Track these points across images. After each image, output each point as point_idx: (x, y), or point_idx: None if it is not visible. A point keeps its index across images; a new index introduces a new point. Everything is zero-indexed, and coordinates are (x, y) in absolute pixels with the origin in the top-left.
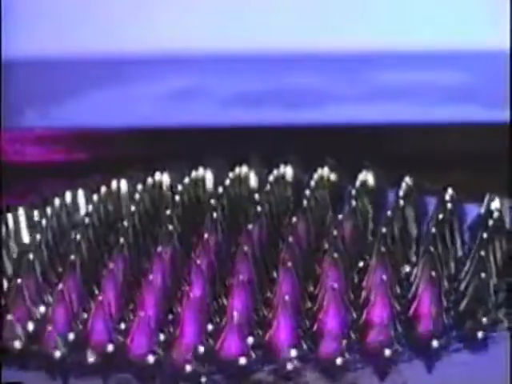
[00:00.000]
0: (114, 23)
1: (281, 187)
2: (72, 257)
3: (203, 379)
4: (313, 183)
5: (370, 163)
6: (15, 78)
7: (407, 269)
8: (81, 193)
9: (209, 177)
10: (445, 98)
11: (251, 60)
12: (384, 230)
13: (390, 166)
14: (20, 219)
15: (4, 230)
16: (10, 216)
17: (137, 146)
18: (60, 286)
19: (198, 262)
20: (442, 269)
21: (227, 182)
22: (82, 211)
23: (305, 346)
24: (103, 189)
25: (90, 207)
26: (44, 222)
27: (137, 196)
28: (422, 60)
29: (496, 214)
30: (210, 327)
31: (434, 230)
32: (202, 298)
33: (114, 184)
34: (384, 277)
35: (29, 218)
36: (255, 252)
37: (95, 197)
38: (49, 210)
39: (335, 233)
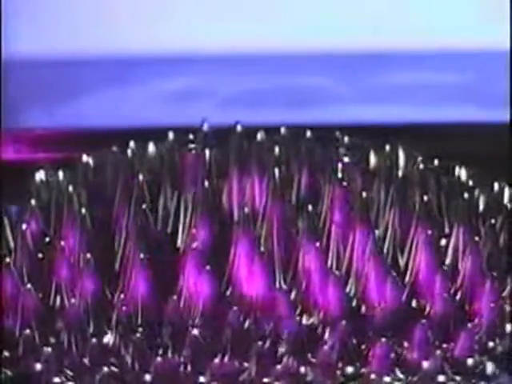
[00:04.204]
0: (115, 24)
1: None
2: None
3: None
4: None
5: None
6: (15, 78)
7: None
8: None
9: None
10: (445, 98)
11: (253, 60)
12: None
13: None
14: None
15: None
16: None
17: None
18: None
19: None
20: None
21: None
22: None
23: None
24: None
25: None
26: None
27: None
28: (421, 60)
29: None
30: None
31: None
32: None
33: None
34: None
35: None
36: None
37: None
38: None
39: None
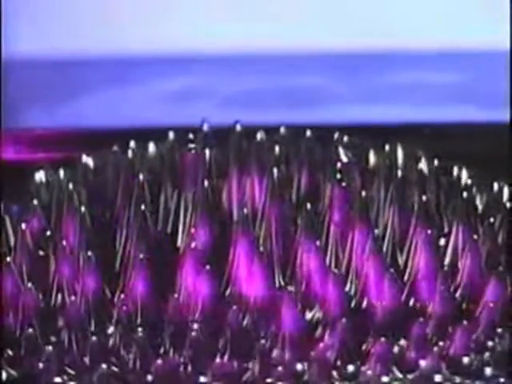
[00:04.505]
0: (115, 23)
1: None
2: None
3: None
4: None
5: None
6: (15, 78)
7: None
8: None
9: None
10: (445, 98)
11: (253, 60)
12: None
13: None
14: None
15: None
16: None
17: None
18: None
19: None
20: None
21: None
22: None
23: None
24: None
25: None
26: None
27: None
28: (421, 60)
29: None
30: None
31: None
32: None
33: None
34: None
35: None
36: None
37: None
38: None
39: None
